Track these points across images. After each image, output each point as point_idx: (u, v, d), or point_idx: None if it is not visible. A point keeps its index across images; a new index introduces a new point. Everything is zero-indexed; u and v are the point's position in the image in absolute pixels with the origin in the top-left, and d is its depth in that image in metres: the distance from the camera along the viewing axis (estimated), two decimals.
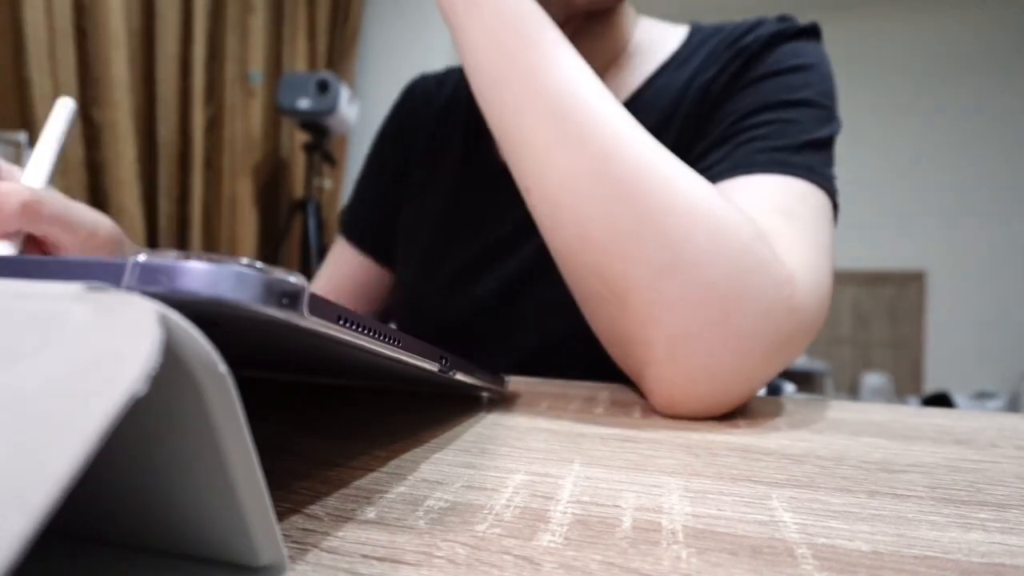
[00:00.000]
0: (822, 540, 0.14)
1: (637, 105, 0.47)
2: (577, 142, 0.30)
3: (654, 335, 0.29)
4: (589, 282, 0.32)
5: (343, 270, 0.60)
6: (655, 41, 0.50)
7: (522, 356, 0.48)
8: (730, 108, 0.41)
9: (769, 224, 0.32)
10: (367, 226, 0.59)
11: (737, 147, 0.38)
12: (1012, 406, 3.11)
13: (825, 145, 0.39)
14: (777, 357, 0.30)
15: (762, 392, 0.54)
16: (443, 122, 0.56)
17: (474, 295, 0.50)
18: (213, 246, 1.91)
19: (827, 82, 0.41)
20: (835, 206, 0.38)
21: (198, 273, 0.10)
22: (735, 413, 0.30)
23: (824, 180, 0.36)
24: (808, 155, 0.36)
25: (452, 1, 0.34)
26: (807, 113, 0.39)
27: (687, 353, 0.29)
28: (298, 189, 2.19)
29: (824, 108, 0.40)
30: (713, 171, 0.37)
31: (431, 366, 0.21)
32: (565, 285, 0.47)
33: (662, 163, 0.30)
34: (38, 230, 0.30)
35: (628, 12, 0.49)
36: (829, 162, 0.39)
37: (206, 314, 0.12)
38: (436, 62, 2.34)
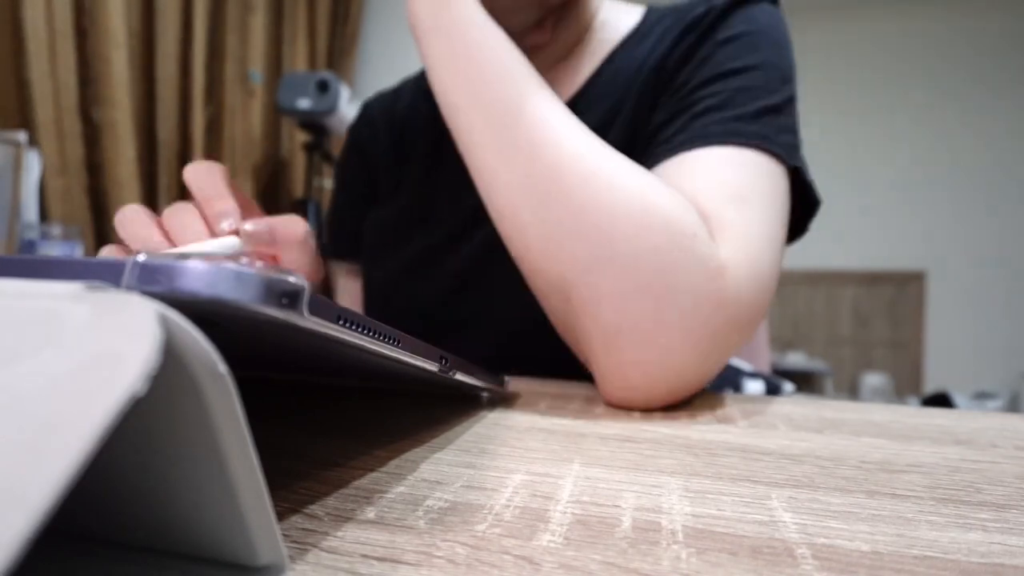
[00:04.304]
0: (822, 540, 0.14)
1: (594, 86, 0.47)
2: (512, 152, 0.32)
3: (592, 329, 0.31)
4: (535, 282, 0.34)
5: (345, 295, 0.62)
6: (613, 20, 0.50)
7: (485, 344, 0.47)
8: (683, 80, 0.40)
9: (715, 211, 0.32)
10: (346, 237, 0.60)
11: (692, 119, 0.37)
12: (1012, 406, 3.10)
13: (781, 109, 0.37)
14: (709, 350, 0.30)
15: (761, 391, 0.54)
16: (406, 129, 0.57)
17: (433, 280, 0.50)
18: None
19: (779, 45, 0.40)
20: (796, 170, 0.37)
21: (198, 273, 0.10)
22: (735, 413, 0.30)
23: (780, 147, 0.35)
24: (764, 122, 0.36)
25: (416, 21, 0.37)
26: (760, 77, 0.38)
27: (620, 347, 0.30)
28: (298, 189, 2.19)
29: (777, 69, 0.39)
30: (669, 144, 0.37)
31: (431, 366, 0.21)
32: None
33: (590, 162, 0.31)
34: (299, 257, 0.35)
35: None
36: (787, 126, 0.37)
37: (206, 314, 0.12)
38: None
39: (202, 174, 0.34)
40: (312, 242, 0.36)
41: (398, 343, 0.18)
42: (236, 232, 0.32)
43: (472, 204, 0.49)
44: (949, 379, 3.34)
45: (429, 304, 0.50)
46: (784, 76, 0.39)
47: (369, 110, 0.62)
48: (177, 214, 0.33)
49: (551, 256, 0.31)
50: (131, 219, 0.32)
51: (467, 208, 0.49)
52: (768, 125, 0.36)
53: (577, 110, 0.47)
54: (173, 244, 0.32)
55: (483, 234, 0.48)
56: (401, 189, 0.55)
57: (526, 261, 0.33)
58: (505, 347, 0.47)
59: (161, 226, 0.33)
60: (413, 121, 0.57)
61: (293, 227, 0.34)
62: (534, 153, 0.32)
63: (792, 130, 0.38)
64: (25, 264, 0.12)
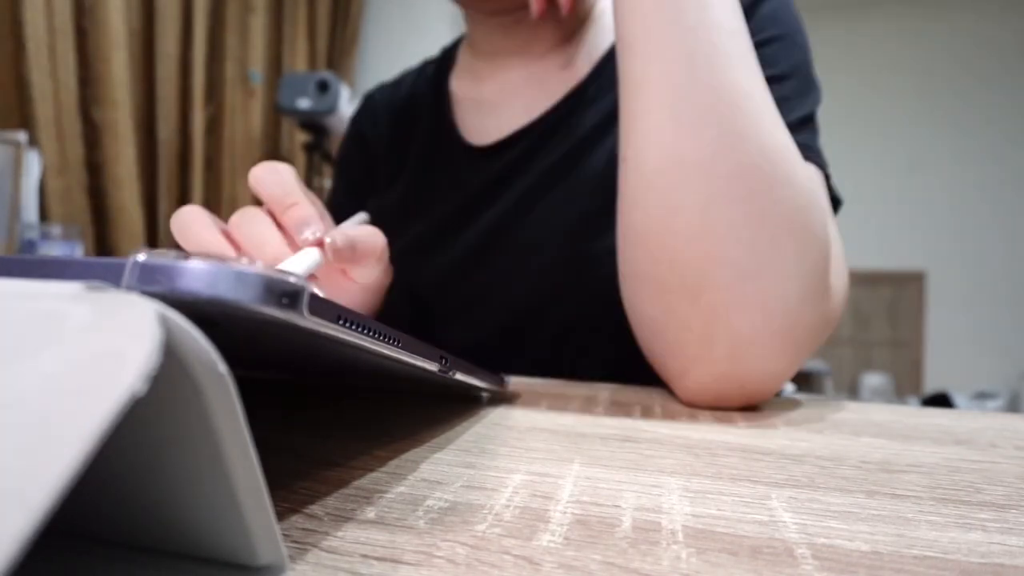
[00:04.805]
0: (822, 540, 0.14)
1: (603, 74, 0.47)
2: (693, 126, 0.28)
3: (719, 334, 0.29)
4: (658, 269, 0.30)
5: None
6: None
7: (483, 331, 0.47)
8: None
9: None
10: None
11: None
12: (1012, 406, 3.11)
13: (814, 118, 0.38)
14: (802, 362, 0.31)
15: None
16: (406, 119, 0.57)
17: (435, 262, 0.50)
18: None
19: (804, 49, 0.41)
20: (826, 177, 0.38)
21: (198, 273, 0.10)
22: (734, 413, 0.30)
23: (819, 156, 0.37)
24: (804, 133, 0.36)
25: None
26: (793, 87, 0.38)
27: (749, 356, 0.29)
28: None
29: (805, 75, 0.39)
30: None
31: (431, 366, 0.21)
32: (525, 256, 0.45)
33: (785, 162, 0.29)
34: (373, 271, 0.33)
35: None
36: (817, 132, 0.39)
37: (206, 314, 0.12)
38: None
39: (272, 176, 0.29)
40: (388, 253, 0.33)
41: (398, 343, 0.18)
42: (320, 243, 0.28)
43: (475, 187, 0.48)
44: (949, 379, 3.34)
45: (430, 286, 0.50)
46: (812, 82, 0.40)
47: (371, 100, 0.62)
48: (249, 223, 0.28)
49: (701, 252, 0.28)
50: (194, 222, 0.28)
51: (470, 191, 0.49)
52: (807, 135, 0.36)
53: (587, 95, 0.46)
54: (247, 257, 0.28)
55: (485, 217, 0.48)
56: (401, 177, 0.55)
57: (657, 246, 0.29)
58: (507, 328, 0.46)
59: (228, 235, 0.29)
60: (414, 109, 0.57)
61: (373, 241, 0.31)
62: (724, 144, 0.28)
63: (818, 135, 0.39)
64: (25, 264, 0.12)
